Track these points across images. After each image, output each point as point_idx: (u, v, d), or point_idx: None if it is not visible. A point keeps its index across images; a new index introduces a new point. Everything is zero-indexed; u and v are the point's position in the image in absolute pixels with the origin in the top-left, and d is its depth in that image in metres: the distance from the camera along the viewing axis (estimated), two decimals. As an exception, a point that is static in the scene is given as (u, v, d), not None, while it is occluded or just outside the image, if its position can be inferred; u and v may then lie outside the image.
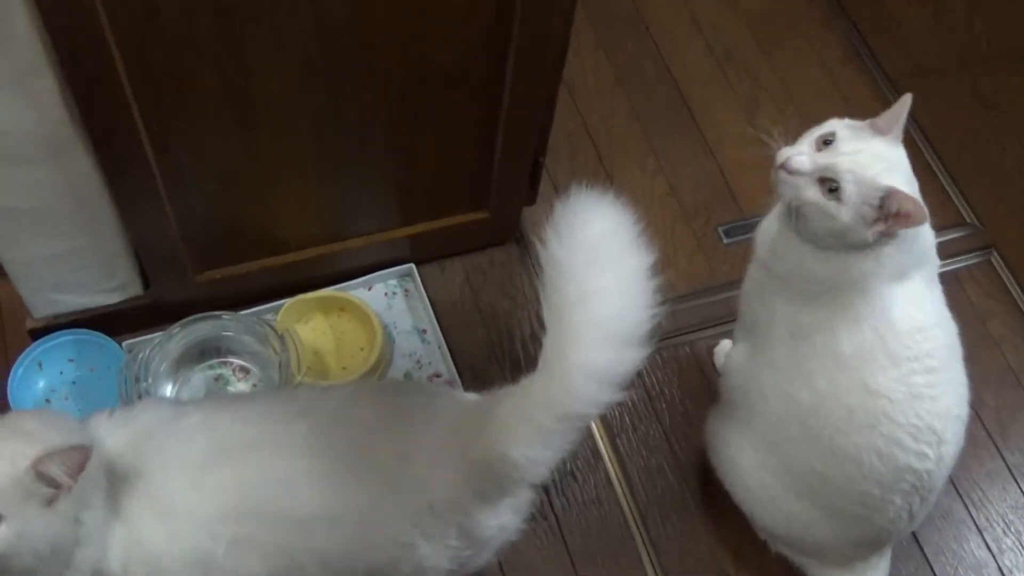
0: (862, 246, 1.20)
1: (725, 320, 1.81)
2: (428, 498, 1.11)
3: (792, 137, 1.27)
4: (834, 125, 1.24)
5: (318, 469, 1.11)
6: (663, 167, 2.03)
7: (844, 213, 1.18)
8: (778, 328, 1.37)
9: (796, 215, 1.23)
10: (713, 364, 1.79)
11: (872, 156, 1.19)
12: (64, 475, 0.96)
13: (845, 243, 1.21)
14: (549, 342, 0.97)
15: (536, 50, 1.40)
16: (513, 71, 1.42)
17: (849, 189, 1.18)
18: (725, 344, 1.77)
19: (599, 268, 0.95)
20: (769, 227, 1.37)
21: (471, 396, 1.26)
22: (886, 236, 1.19)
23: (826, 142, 1.23)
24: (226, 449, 1.13)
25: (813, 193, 1.21)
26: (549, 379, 0.97)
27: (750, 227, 1.93)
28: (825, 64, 2.23)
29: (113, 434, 1.13)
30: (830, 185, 1.19)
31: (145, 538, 1.08)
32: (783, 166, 1.22)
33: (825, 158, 1.20)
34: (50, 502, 0.97)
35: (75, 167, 1.34)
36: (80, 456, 0.97)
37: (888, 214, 1.17)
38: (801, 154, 1.22)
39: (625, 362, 0.94)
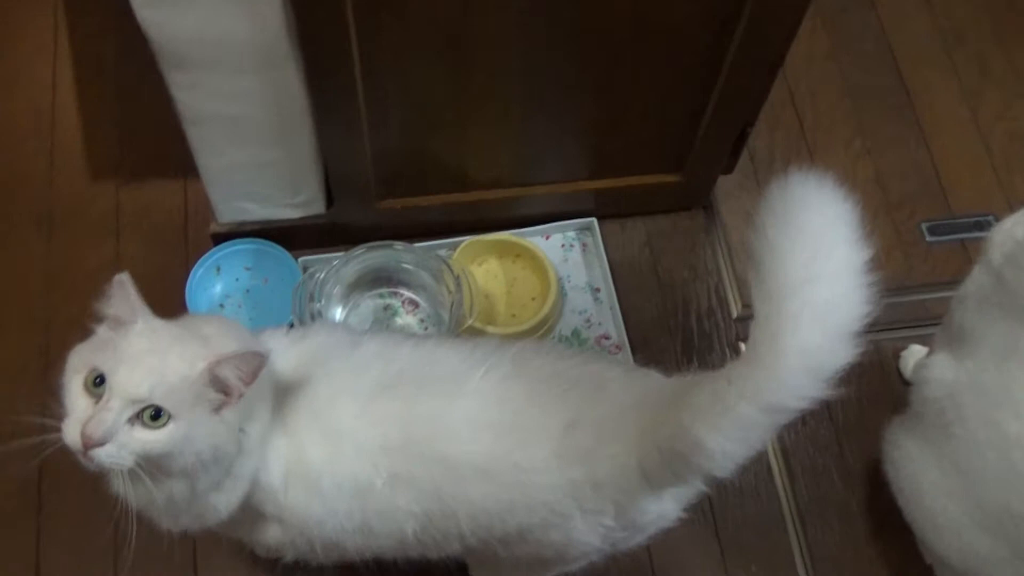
0: None
1: (917, 323, 1.71)
2: (592, 472, 1.06)
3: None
4: None
5: (485, 420, 1.08)
6: (870, 150, 1.90)
7: None
8: (991, 345, 1.26)
9: None
10: (898, 368, 1.68)
11: None
12: (238, 381, 0.96)
13: None
14: (759, 328, 0.91)
15: (773, 13, 1.31)
16: (743, 34, 1.34)
17: None
18: (915, 349, 1.66)
19: (822, 256, 0.88)
20: (1014, 230, 1.23)
21: (655, 374, 1.20)
22: None
23: None
24: (399, 382, 1.11)
25: None
26: (757, 366, 0.90)
27: (958, 227, 1.82)
28: (1067, 60, 2.05)
29: (288, 351, 1.12)
30: None
31: (308, 456, 1.07)
32: None
33: None
34: (218, 409, 0.97)
35: (284, 81, 1.33)
36: (256, 363, 0.96)
37: None
38: None
39: (838, 355, 0.88)
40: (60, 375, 0.96)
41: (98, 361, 0.93)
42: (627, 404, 1.08)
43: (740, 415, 0.92)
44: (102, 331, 0.98)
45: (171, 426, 0.93)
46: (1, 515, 1.52)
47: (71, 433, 0.92)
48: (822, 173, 0.91)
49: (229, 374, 0.95)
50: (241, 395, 0.97)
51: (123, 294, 0.96)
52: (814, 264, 0.88)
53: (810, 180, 0.91)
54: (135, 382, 0.92)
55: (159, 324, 0.98)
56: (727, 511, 1.55)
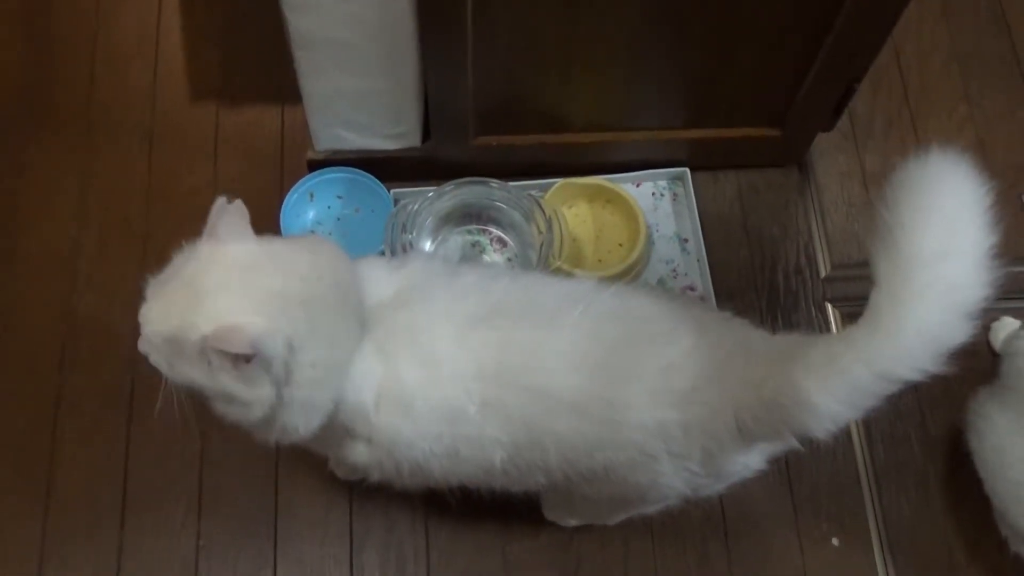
0: None
1: (1010, 296, 1.67)
2: (684, 416, 1.07)
3: None
4: None
5: (580, 355, 1.09)
6: (975, 118, 1.86)
7: None
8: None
9: None
10: (987, 339, 1.65)
11: None
12: (222, 363, 0.98)
13: None
14: (882, 295, 0.91)
15: (895, -33, 1.28)
16: (861, -15, 1.31)
17: None
18: (1007, 322, 1.63)
19: (955, 234, 0.89)
20: None
21: (754, 327, 1.19)
22: None
23: None
24: (496, 313, 1.12)
25: None
26: (877, 332, 0.91)
27: (1061, 201, 1.77)
28: None
29: (386, 278, 1.14)
30: None
31: (402, 378, 1.09)
32: None
33: None
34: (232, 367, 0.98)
35: (397, 8, 1.33)
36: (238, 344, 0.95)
37: None
38: None
39: (957, 332, 0.89)
40: None
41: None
42: (727, 352, 1.08)
43: (853, 378, 0.93)
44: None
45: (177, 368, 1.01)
46: (92, 421, 1.57)
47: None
48: (959, 151, 0.93)
49: (226, 347, 0.96)
50: (249, 359, 0.97)
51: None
52: (947, 241, 0.89)
53: (948, 159, 0.92)
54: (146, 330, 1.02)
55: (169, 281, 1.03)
56: (803, 469, 1.55)
